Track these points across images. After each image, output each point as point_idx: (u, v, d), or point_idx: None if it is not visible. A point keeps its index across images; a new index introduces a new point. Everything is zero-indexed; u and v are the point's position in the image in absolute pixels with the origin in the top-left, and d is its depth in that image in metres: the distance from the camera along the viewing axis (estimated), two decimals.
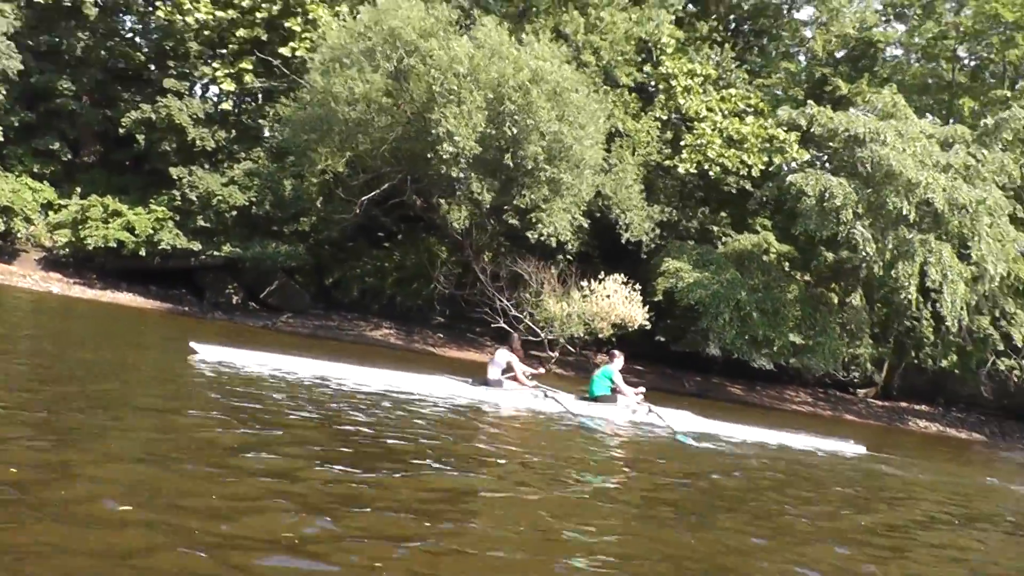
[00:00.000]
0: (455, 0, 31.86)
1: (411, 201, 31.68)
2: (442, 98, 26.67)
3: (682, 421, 15.87)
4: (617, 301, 28.75)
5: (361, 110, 27.75)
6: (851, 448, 17.46)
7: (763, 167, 33.93)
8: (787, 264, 36.33)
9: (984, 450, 31.23)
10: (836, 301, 35.16)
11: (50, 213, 33.12)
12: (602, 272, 29.59)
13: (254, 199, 31.66)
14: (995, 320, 35.39)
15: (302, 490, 6.38)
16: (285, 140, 31.95)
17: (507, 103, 26.84)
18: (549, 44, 28.86)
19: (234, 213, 31.55)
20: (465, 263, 33.78)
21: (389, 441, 9.34)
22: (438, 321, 35.89)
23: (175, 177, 31.49)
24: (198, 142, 32.32)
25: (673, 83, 34.84)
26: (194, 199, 31.41)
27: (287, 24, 32.87)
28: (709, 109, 34.76)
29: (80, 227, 31.11)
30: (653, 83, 36.32)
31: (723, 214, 37.85)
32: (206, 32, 33.06)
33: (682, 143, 34.05)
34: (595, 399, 15.88)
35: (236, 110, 34.35)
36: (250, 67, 32.90)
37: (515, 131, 27.05)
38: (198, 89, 36.32)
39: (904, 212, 29.62)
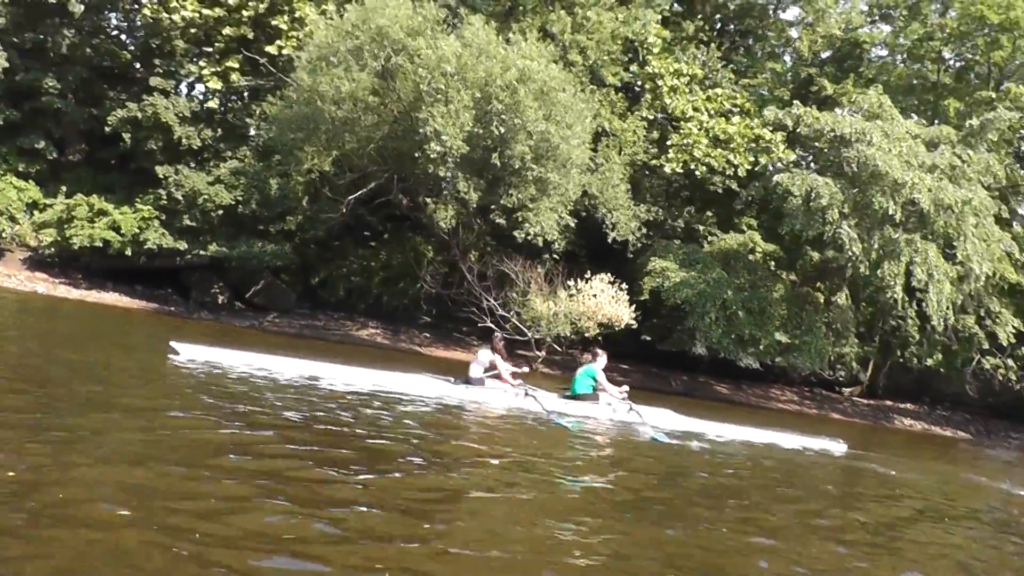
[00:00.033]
0: None
1: (397, 200, 31.62)
2: (429, 97, 26.63)
3: (663, 419, 15.95)
4: (604, 300, 28.76)
5: (348, 109, 27.67)
6: (833, 446, 17.50)
7: (749, 167, 33.97)
8: (773, 263, 36.43)
9: (969, 448, 31.38)
10: (822, 300, 35.28)
11: (35, 212, 32.92)
12: (588, 271, 29.59)
13: (240, 198, 31.53)
14: (980, 319, 35.65)
15: (293, 491, 6.38)
16: (271, 139, 31.85)
17: (494, 102, 26.81)
18: (536, 43, 28.82)
19: (220, 212, 31.40)
20: (452, 262, 33.75)
21: (375, 441, 9.36)
22: (424, 321, 35.85)
23: (161, 176, 31.32)
24: (184, 141, 32.15)
25: (659, 83, 34.88)
26: (180, 198, 31.25)
27: (273, 22, 32.75)
28: (695, 109, 34.80)
29: (66, 226, 30.91)
30: (639, 83, 36.34)
31: (709, 213, 37.91)
32: (192, 30, 32.88)
33: (668, 143, 34.07)
34: (577, 397, 15.95)
35: (222, 108, 34.17)
36: (236, 65, 32.76)
37: (502, 130, 27.03)
38: (184, 87, 36.12)
39: (890, 212, 29.71)
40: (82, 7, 33.97)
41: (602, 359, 16.31)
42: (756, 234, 36.18)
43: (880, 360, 39.30)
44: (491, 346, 16.06)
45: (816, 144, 33.42)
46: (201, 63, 32.94)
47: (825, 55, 42.98)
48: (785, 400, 36.15)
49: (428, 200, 31.07)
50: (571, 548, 6.17)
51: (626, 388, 16.38)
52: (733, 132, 34.00)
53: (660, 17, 36.70)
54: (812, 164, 35.90)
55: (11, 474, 5.59)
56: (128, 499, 5.46)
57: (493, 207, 30.27)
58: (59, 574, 4.23)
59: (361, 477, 7.38)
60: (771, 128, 33.88)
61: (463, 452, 10.16)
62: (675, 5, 41.50)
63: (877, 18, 43.29)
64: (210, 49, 33.08)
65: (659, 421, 15.63)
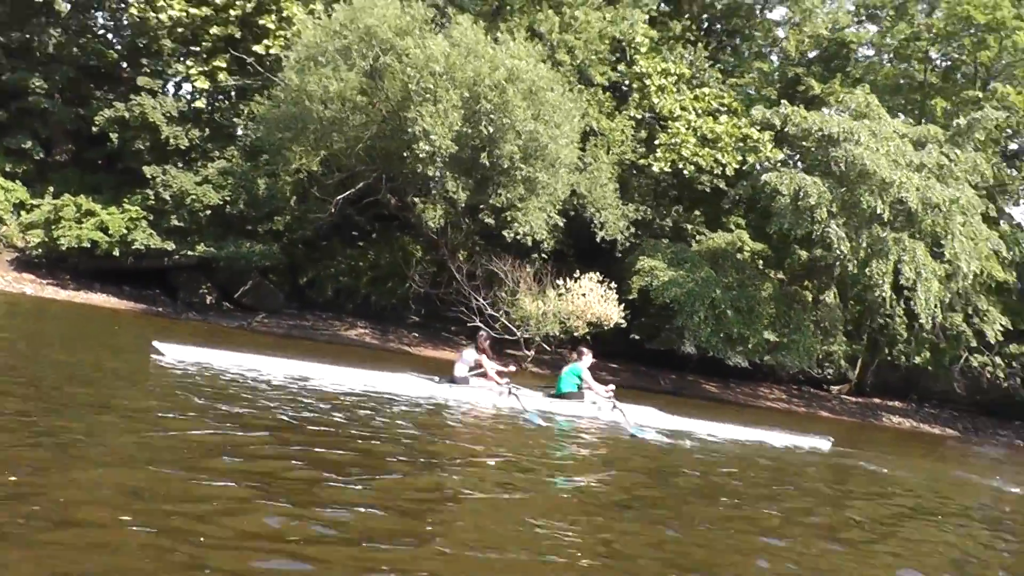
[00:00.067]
0: None
1: (386, 200, 31.61)
2: (418, 97, 26.63)
3: (648, 418, 15.96)
4: (593, 300, 28.82)
5: (336, 108, 27.66)
6: (820, 443, 17.50)
7: (737, 166, 34.08)
8: (761, 262, 36.51)
9: (958, 445, 31.49)
10: (810, 299, 35.39)
11: (22, 213, 32.80)
12: (577, 271, 29.65)
13: (228, 198, 31.46)
14: (968, 317, 35.88)
15: (289, 492, 6.36)
16: (259, 139, 31.82)
17: (483, 102, 26.84)
18: (524, 43, 28.87)
19: (208, 212, 31.33)
20: (440, 262, 33.75)
21: (367, 441, 9.32)
22: (413, 320, 35.84)
23: (149, 176, 31.22)
24: (172, 141, 32.08)
25: (647, 82, 34.95)
26: (168, 198, 31.17)
27: (261, 21, 32.73)
28: (683, 108, 34.87)
29: (53, 227, 30.78)
30: (627, 82, 36.40)
31: (697, 213, 37.98)
32: (179, 29, 32.81)
33: (656, 142, 34.14)
34: (562, 396, 15.94)
35: (210, 108, 34.12)
36: (224, 65, 32.72)
37: (491, 130, 27.06)
38: (171, 87, 36.05)
39: (878, 211, 29.82)
40: (68, 6, 33.95)
41: (587, 358, 16.30)
42: (744, 233, 36.26)
43: (868, 358, 39.43)
44: (476, 345, 16.03)
45: (804, 143, 33.51)
46: (188, 62, 32.88)
47: (812, 55, 43.10)
48: (773, 398, 36.23)
49: (416, 200, 31.07)
50: (569, 548, 6.16)
51: (612, 387, 16.37)
52: (721, 131, 34.10)
53: (647, 17, 36.80)
54: (799, 163, 35.99)
55: (12, 479, 5.55)
56: (125, 501, 5.43)
57: (482, 207, 30.29)
58: None
59: (356, 478, 7.36)
60: (759, 127, 34.00)
61: (456, 452, 10.16)
62: (662, 5, 41.59)
63: (864, 18, 43.43)
64: (197, 48, 33.05)
65: (644, 420, 15.64)
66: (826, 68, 42.02)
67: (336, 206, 30.37)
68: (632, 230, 33.92)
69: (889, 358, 38.30)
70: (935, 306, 30.66)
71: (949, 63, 41.84)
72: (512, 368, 16.79)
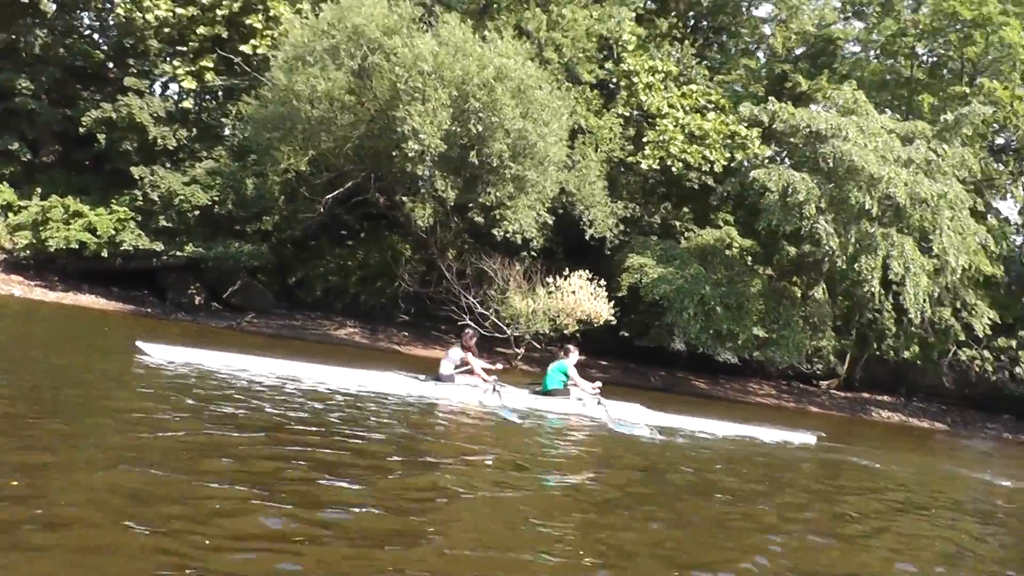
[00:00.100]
0: None
1: (374, 199, 31.57)
2: (407, 96, 26.57)
3: (633, 415, 16.01)
4: (582, 297, 28.86)
5: (324, 108, 27.61)
6: (805, 438, 17.53)
7: (725, 163, 34.12)
8: (750, 258, 36.55)
9: (947, 439, 31.63)
10: (799, 294, 35.44)
11: (10, 215, 32.59)
12: (566, 268, 29.67)
13: (216, 198, 31.36)
14: (956, 311, 36.03)
15: (285, 492, 6.38)
16: (247, 139, 31.74)
17: (472, 101, 26.80)
18: (512, 41, 28.85)
19: (196, 213, 31.21)
20: (429, 261, 33.73)
21: (359, 441, 9.38)
22: (403, 319, 35.82)
23: (136, 177, 31.07)
24: (159, 141, 31.96)
25: (635, 80, 34.95)
26: (156, 199, 31.05)
27: (248, 21, 32.61)
28: (671, 106, 34.90)
29: (41, 228, 30.60)
30: (615, 80, 36.37)
31: (685, 209, 38.00)
32: (166, 29, 32.67)
33: (644, 139, 34.16)
34: (548, 393, 15.99)
35: (197, 108, 34.01)
36: (211, 65, 32.60)
37: (480, 128, 27.03)
38: (158, 87, 35.89)
39: (867, 206, 29.89)
40: (54, 7, 33.80)
41: (574, 355, 16.36)
42: (733, 229, 36.27)
43: (857, 353, 39.50)
44: (461, 343, 16.04)
45: (791, 140, 33.58)
46: (175, 63, 32.76)
47: (799, 51, 43.12)
48: (763, 394, 36.32)
49: (405, 199, 31.04)
50: (568, 546, 6.19)
51: (599, 384, 16.42)
52: (709, 128, 34.17)
53: (634, 15, 36.73)
54: (787, 160, 36.08)
55: (14, 483, 5.54)
56: (123, 503, 5.44)
57: (471, 205, 30.29)
58: None
59: (350, 478, 7.37)
60: (746, 124, 34.04)
61: (448, 451, 10.20)
62: (648, 2, 41.57)
63: (850, 14, 43.50)
64: (184, 48, 32.90)
65: (629, 416, 15.72)
66: (813, 65, 42.05)
67: (325, 206, 30.33)
68: (621, 227, 33.93)
69: (878, 353, 38.42)
70: (924, 300, 30.76)
71: (936, 59, 41.92)
72: (499, 366, 16.80)
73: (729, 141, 34.28)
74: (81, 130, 32.43)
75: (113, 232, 30.52)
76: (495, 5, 34.23)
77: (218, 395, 11.11)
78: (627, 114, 35.15)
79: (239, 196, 31.73)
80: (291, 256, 34.76)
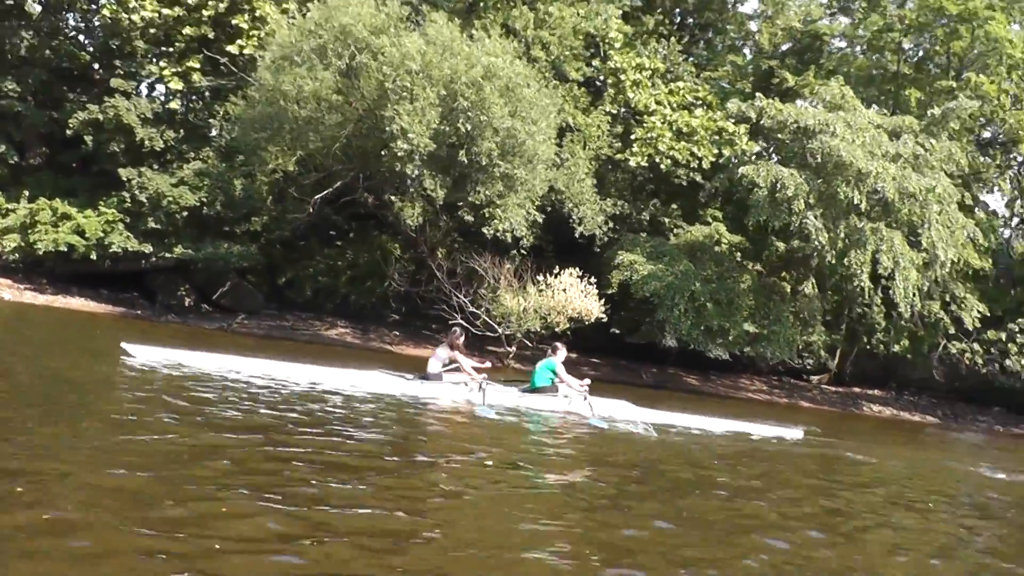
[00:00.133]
0: None
1: (363, 199, 31.52)
2: (395, 95, 26.52)
3: (622, 411, 16.06)
4: (573, 295, 28.87)
5: (311, 108, 27.53)
6: (793, 432, 17.54)
7: (713, 159, 34.16)
8: (739, 254, 36.60)
9: (938, 432, 31.72)
10: (789, 290, 35.54)
11: None
12: (556, 266, 29.66)
13: (205, 199, 31.24)
14: (946, 305, 36.22)
15: (279, 493, 6.34)
16: (235, 139, 31.63)
17: (460, 99, 26.77)
18: (499, 40, 28.83)
19: (185, 214, 31.10)
20: (419, 260, 33.71)
21: (351, 441, 9.37)
22: (394, 319, 35.79)
23: (124, 178, 30.94)
24: (147, 142, 31.81)
25: (622, 77, 34.98)
26: (144, 200, 30.92)
27: (234, 21, 32.47)
28: (658, 102, 34.93)
29: (29, 231, 30.44)
30: (602, 77, 36.40)
31: (674, 206, 38.02)
32: (152, 30, 32.50)
33: (632, 137, 34.17)
34: (536, 390, 16.04)
35: (184, 109, 33.87)
36: (197, 65, 32.44)
37: (468, 127, 27.01)
38: (145, 88, 35.70)
39: (855, 201, 30.01)
40: (39, 8, 33.63)
41: (562, 352, 16.43)
42: (721, 226, 36.35)
43: (847, 347, 39.65)
44: (448, 342, 16.02)
45: (779, 136, 33.65)
46: (162, 63, 32.63)
47: (785, 47, 43.30)
48: (754, 390, 36.40)
49: (394, 198, 30.99)
50: (571, 544, 6.18)
51: (587, 381, 16.44)
52: (696, 125, 34.21)
53: (620, 12, 36.74)
54: (775, 155, 36.15)
55: (19, 489, 5.51)
56: (124, 507, 5.42)
57: (460, 204, 30.26)
58: None
59: (348, 478, 7.37)
60: (734, 120, 34.10)
61: (445, 450, 10.21)
62: (635, 0, 41.56)
63: (836, 10, 43.65)
64: (170, 49, 32.75)
65: (616, 413, 15.80)
66: (799, 60, 42.20)
67: (314, 206, 30.26)
68: (610, 225, 33.97)
69: (868, 347, 38.57)
70: (913, 294, 30.92)
71: (922, 54, 42.11)
72: (487, 364, 16.77)
73: (717, 137, 34.33)
74: (68, 132, 32.26)
75: (101, 234, 30.40)
76: (481, 3, 34.17)
77: (209, 396, 11.09)
78: (615, 111, 35.17)
79: (227, 197, 31.62)
80: (280, 257, 34.68)
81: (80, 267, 31.29)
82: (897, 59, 41.13)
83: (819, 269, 34.39)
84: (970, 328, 36.03)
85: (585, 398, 15.72)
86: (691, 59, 39.82)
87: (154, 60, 33.32)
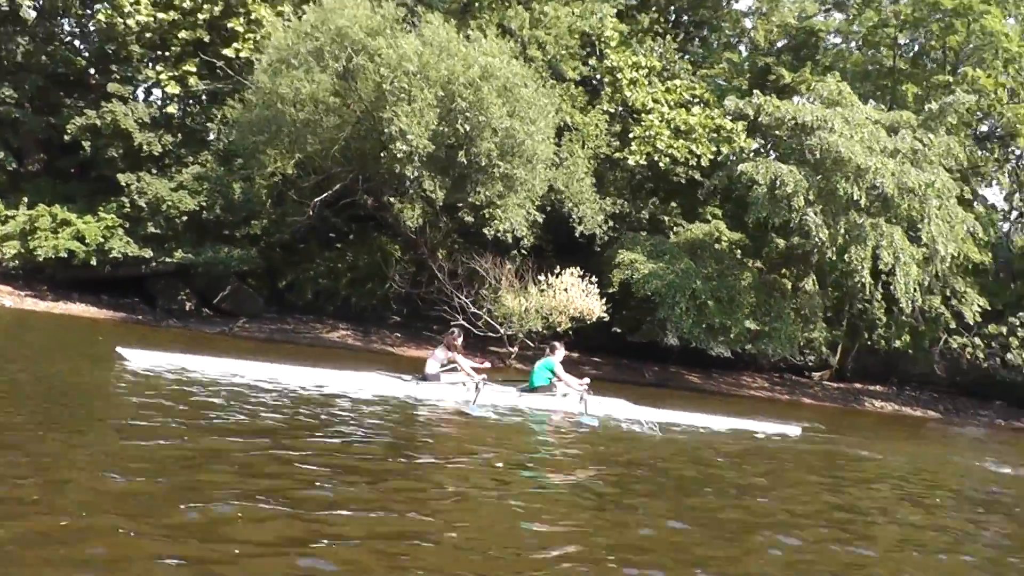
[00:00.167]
0: None
1: (362, 201, 31.49)
2: (392, 96, 26.48)
3: (619, 410, 16.09)
4: (575, 294, 28.85)
5: (309, 111, 27.49)
6: (790, 429, 17.49)
7: (711, 157, 34.16)
8: (739, 252, 36.61)
9: (939, 427, 31.75)
10: (789, 286, 35.52)
11: None
12: (557, 266, 29.63)
13: (204, 203, 31.21)
14: (946, 299, 36.25)
15: (292, 498, 6.33)
16: (233, 143, 31.63)
17: (458, 100, 26.73)
18: (496, 40, 28.82)
19: (184, 218, 31.08)
20: (419, 261, 33.70)
21: (350, 442, 9.42)
22: (395, 320, 35.78)
23: (123, 183, 30.93)
24: (145, 147, 31.77)
25: (618, 76, 34.97)
26: (143, 205, 30.91)
27: (229, 25, 32.43)
28: (655, 101, 34.92)
29: (29, 238, 30.42)
30: (599, 76, 36.39)
31: (673, 204, 38.03)
32: (147, 34, 32.47)
33: (631, 135, 34.16)
34: (534, 390, 16.06)
35: (181, 113, 33.86)
36: (194, 69, 32.38)
37: (467, 128, 26.97)
38: (141, 93, 35.67)
39: (855, 197, 30.01)
40: (34, 14, 33.56)
41: (560, 352, 16.44)
42: (721, 223, 36.35)
43: (848, 343, 39.68)
44: (445, 342, 16.00)
45: (777, 132, 33.66)
46: (158, 68, 32.61)
47: (781, 44, 43.27)
48: (756, 387, 36.39)
49: (393, 200, 30.98)
50: (579, 543, 6.18)
51: (587, 380, 16.43)
52: (694, 123, 34.21)
53: (615, 11, 36.71)
54: (773, 152, 36.16)
55: (35, 497, 5.50)
56: (134, 512, 5.41)
57: (460, 205, 30.25)
58: None
59: (354, 480, 7.39)
60: (732, 118, 34.10)
61: (450, 451, 10.26)
62: None
63: (831, 6, 43.65)
64: (166, 53, 32.73)
65: (614, 411, 15.87)
66: (795, 57, 42.18)
67: (313, 209, 30.20)
68: (610, 224, 33.95)
69: (869, 343, 38.59)
70: (914, 289, 30.93)
71: (918, 49, 42.12)
72: (487, 364, 16.76)
73: (715, 135, 34.34)
74: (66, 138, 32.20)
75: (101, 240, 30.37)
76: (476, 4, 34.12)
77: (213, 401, 11.11)
78: (612, 110, 35.15)
79: (227, 201, 31.61)
80: (280, 260, 34.65)
81: (80, 273, 31.29)
82: (893, 54, 41.13)
83: (819, 265, 34.41)
84: (971, 322, 36.07)
85: (582, 397, 15.74)
86: (687, 57, 39.83)
87: (150, 64, 33.32)
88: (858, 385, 39.65)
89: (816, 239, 30.80)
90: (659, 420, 15.55)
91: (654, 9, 40.45)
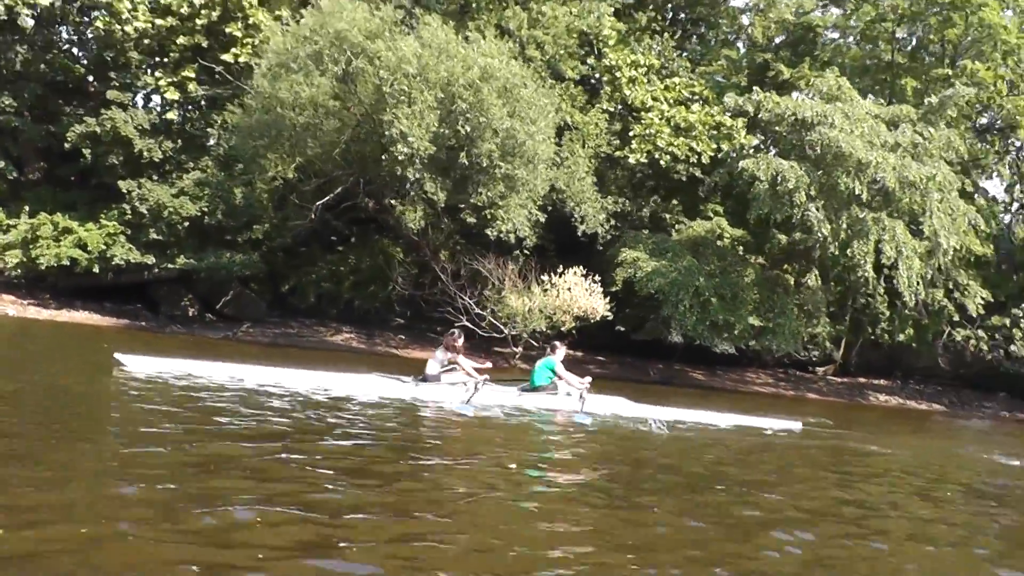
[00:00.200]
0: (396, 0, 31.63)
1: (363, 203, 31.50)
2: (392, 99, 26.51)
3: (618, 407, 16.09)
4: (578, 294, 28.87)
5: (309, 114, 27.54)
6: (791, 425, 17.47)
7: (712, 154, 34.20)
8: (741, 248, 36.65)
9: (944, 420, 31.77)
10: (792, 282, 35.57)
11: None
12: (560, 266, 29.66)
13: (205, 209, 31.25)
14: (949, 292, 36.27)
15: (305, 502, 6.33)
16: (233, 148, 31.66)
17: (458, 102, 26.76)
18: (495, 40, 28.83)
19: (186, 224, 31.10)
20: (422, 263, 33.72)
21: (357, 444, 9.38)
22: (398, 323, 35.79)
23: (124, 190, 30.93)
24: (145, 154, 31.81)
25: (617, 74, 35.01)
26: (145, 212, 30.91)
27: (228, 30, 32.45)
28: (654, 99, 34.96)
29: (31, 246, 30.42)
30: (598, 75, 36.46)
31: (675, 202, 38.07)
32: (146, 41, 32.53)
33: (631, 133, 34.21)
34: (536, 389, 16.06)
35: (181, 119, 33.90)
36: (193, 75, 32.44)
37: (468, 129, 27.00)
38: (140, 99, 35.68)
39: (856, 192, 30.04)
40: (32, 22, 33.52)
41: (561, 351, 16.43)
42: (723, 220, 36.41)
43: (852, 338, 39.71)
44: (445, 343, 15.97)
45: (777, 128, 33.67)
46: (157, 74, 32.69)
47: (779, 40, 43.25)
48: (761, 383, 36.41)
49: (395, 202, 30.98)
50: (588, 542, 6.17)
51: (589, 379, 16.43)
52: (694, 120, 34.24)
53: (613, 9, 36.72)
54: (773, 148, 36.17)
55: (49, 507, 5.50)
56: (153, 518, 5.41)
57: (462, 206, 30.24)
58: None
59: (365, 482, 7.39)
60: (731, 115, 34.14)
61: (458, 452, 10.27)
62: None
63: (828, 2, 43.62)
64: (165, 59, 32.77)
65: (617, 410, 15.90)
66: (794, 53, 42.17)
67: (315, 212, 30.23)
68: (612, 223, 33.99)
69: (872, 337, 38.62)
70: (917, 283, 30.97)
71: (916, 42, 42.11)
72: (488, 364, 16.75)
73: (715, 132, 34.39)
74: (66, 146, 32.27)
75: (103, 247, 30.38)
76: (474, 5, 34.13)
77: (218, 406, 11.08)
78: (612, 109, 35.20)
79: (228, 206, 31.63)
80: (283, 264, 34.67)
81: (83, 281, 31.31)
82: (891, 48, 41.11)
83: (822, 260, 34.45)
84: (974, 315, 36.12)
85: (581, 395, 15.75)
86: (685, 55, 39.85)
87: (149, 71, 33.39)
88: (862, 379, 39.68)
89: (818, 234, 30.83)
90: (665, 418, 15.56)
91: (651, 7, 40.47)
